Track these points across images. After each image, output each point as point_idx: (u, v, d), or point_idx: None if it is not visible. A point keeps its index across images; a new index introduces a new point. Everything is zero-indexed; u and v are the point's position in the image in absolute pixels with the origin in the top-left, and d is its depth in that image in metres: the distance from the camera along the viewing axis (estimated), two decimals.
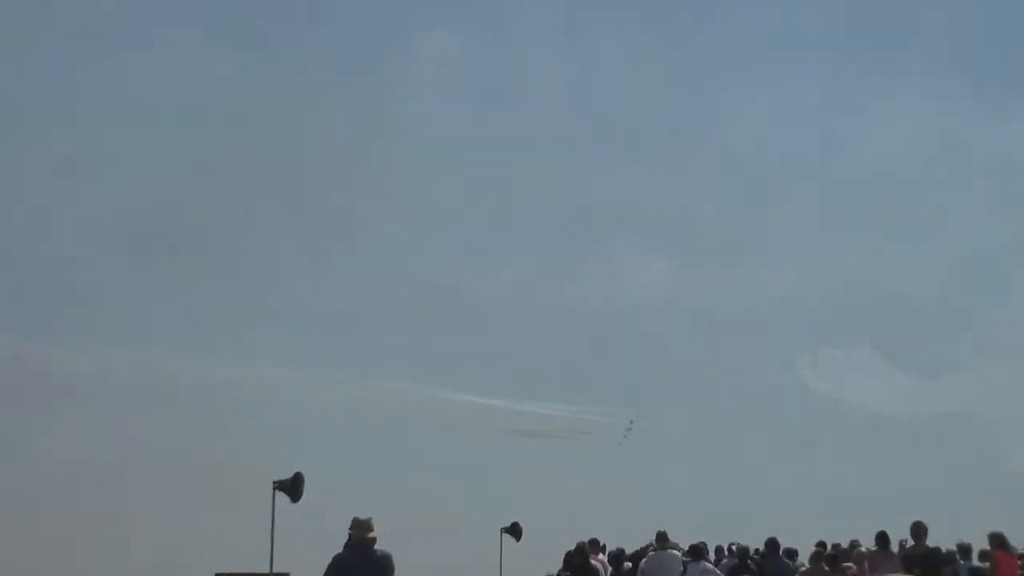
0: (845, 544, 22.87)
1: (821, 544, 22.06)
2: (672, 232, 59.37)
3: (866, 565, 20.10)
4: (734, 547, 22.68)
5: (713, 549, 24.25)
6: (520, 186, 60.32)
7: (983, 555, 19.09)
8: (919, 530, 17.41)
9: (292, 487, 21.87)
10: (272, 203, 56.04)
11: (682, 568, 20.11)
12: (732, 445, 47.40)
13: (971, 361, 51.23)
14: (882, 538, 19.92)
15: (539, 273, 57.98)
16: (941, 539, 20.84)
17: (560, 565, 19.44)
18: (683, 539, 22.16)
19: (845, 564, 19.58)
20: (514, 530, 28.07)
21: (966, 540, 20.03)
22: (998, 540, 18.15)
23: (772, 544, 20.75)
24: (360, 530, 12.36)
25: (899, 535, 19.68)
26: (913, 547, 17.26)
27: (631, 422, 39.57)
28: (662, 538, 20.43)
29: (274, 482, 21.88)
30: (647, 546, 22.08)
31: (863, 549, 21.25)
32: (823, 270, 57.53)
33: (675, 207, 59.98)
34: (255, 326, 52.65)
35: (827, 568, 18.88)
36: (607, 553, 23.02)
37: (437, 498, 43.04)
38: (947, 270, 57.68)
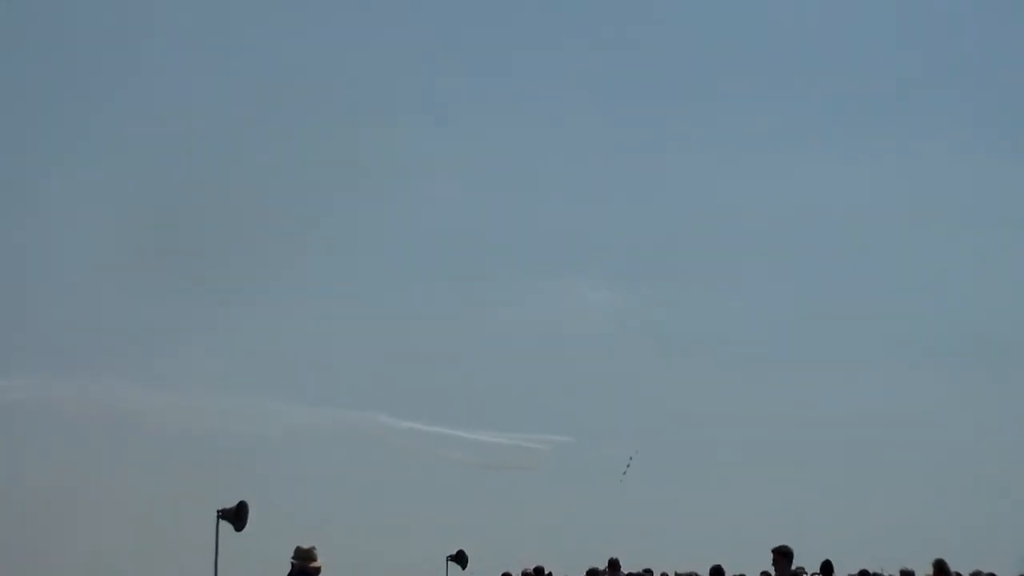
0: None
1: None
2: (615, 258, 59.36)
3: None
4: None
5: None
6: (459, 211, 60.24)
7: None
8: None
9: (236, 516, 21.74)
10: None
11: None
12: (679, 471, 47.35)
13: None
14: (826, 567, 20.08)
15: (479, 300, 57.70)
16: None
17: None
18: (630, 566, 22.19)
19: None
20: (460, 558, 28.01)
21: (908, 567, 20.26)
22: (939, 566, 18.28)
23: None
24: (303, 559, 12.32)
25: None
26: None
27: (631, 458, 39.02)
28: (614, 565, 20.39)
29: (218, 511, 21.73)
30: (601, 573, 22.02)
31: None
32: (771, 291, 57.74)
33: (618, 233, 60.01)
34: (199, 351, 52.13)
35: None
36: None
37: (382, 526, 42.81)
38: None
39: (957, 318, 53.56)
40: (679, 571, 22.44)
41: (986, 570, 19.45)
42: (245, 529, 21.89)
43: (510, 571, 21.00)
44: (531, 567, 22.77)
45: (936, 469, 45.03)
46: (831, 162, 60.03)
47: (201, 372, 51.32)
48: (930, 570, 18.74)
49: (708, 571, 20.97)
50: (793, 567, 19.60)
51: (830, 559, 20.10)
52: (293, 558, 12.39)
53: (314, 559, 12.34)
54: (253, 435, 49.50)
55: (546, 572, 23.37)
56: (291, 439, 50.05)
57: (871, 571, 21.29)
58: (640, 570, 22.57)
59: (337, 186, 58.75)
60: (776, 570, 14.26)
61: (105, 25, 59.95)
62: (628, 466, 38.13)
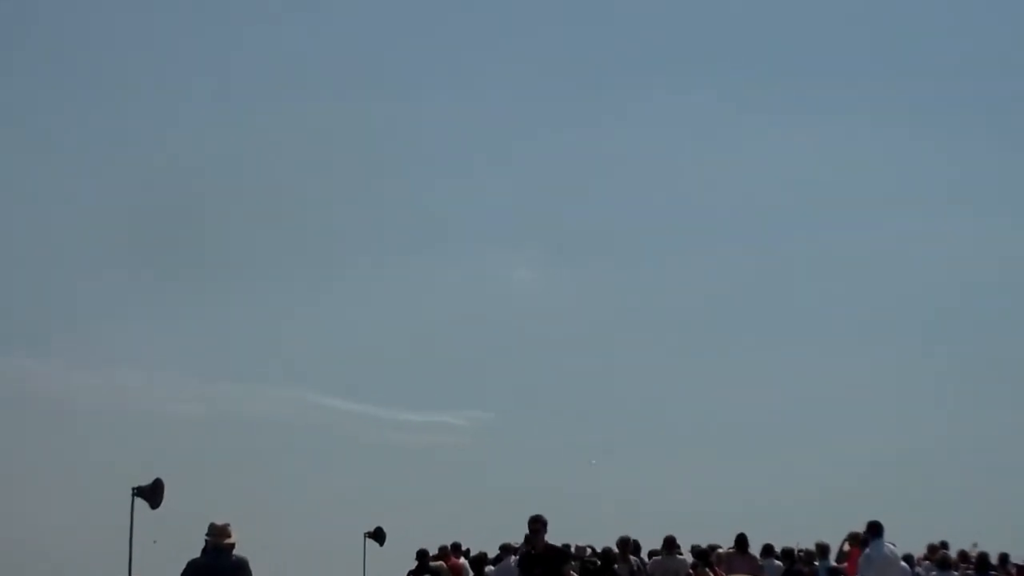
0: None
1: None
2: (539, 234, 59.37)
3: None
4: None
5: None
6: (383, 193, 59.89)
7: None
8: None
9: (152, 493, 21.56)
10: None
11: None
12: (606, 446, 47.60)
13: None
14: (740, 540, 20.35)
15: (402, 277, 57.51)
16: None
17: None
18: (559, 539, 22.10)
19: None
20: (378, 535, 28.00)
21: (824, 540, 20.61)
22: (857, 539, 18.56)
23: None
24: (217, 536, 12.23)
25: None
26: None
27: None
28: (669, 543, 20.11)
29: (133, 488, 21.54)
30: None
31: (721, 551, 21.55)
32: (693, 274, 58.05)
33: (543, 209, 60.05)
34: (112, 330, 51.59)
35: None
36: (469, 557, 23.11)
37: (299, 503, 42.68)
38: None
39: (920, 297, 54.37)
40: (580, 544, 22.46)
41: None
42: (160, 506, 21.72)
43: (426, 547, 20.99)
44: (449, 543, 22.85)
45: (895, 444, 45.89)
46: (778, 137, 60.52)
47: (119, 350, 51.00)
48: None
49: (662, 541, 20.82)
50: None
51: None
52: (207, 535, 12.31)
53: (228, 535, 12.25)
54: (171, 412, 49.34)
55: (463, 548, 23.46)
56: (207, 417, 49.95)
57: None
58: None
59: (265, 165, 58.63)
60: None
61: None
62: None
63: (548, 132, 61.99)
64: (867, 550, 16.98)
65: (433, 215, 58.62)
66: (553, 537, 21.39)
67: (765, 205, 60.21)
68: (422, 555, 20.33)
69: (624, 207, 60.61)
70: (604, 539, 21.59)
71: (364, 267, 57.93)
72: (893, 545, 17.28)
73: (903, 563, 18.69)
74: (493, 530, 28.08)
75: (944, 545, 21.55)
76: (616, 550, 19.54)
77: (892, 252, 56.57)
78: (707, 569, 19.21)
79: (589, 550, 21.59)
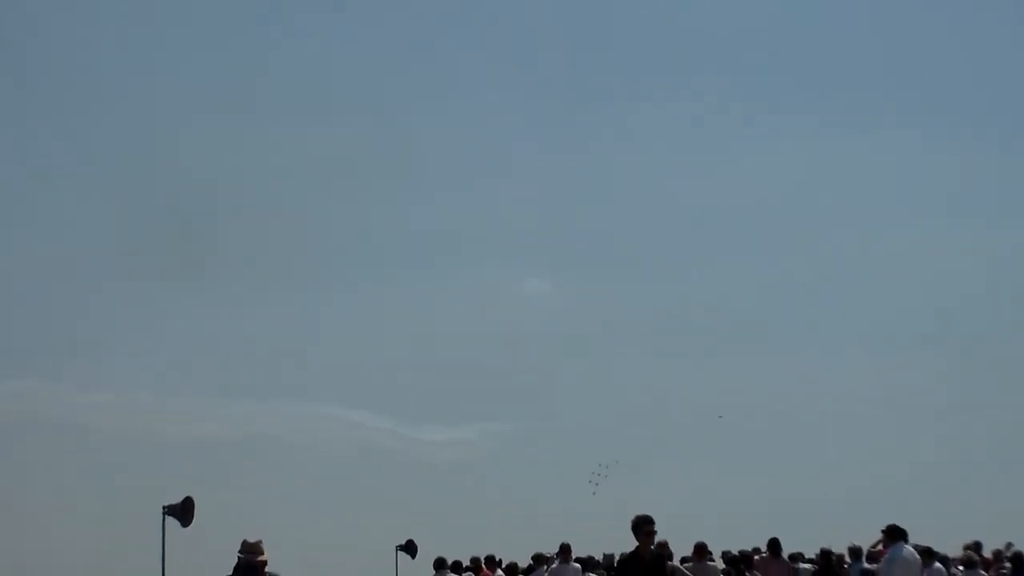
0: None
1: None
2: (548, 249, 59.36)
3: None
4: None
5: None
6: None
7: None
8: None
9: (183, 512, 21.59)
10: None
11: None
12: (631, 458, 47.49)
13: None
14: (773, 544, 20.30)
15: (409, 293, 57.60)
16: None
17: None
18: (580, 551, 22.11)
19: None
20: (409, 548, 27.96)
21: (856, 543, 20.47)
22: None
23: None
24: (249, 553, 12.21)
25: None
26: None
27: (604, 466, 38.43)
28: (565, 551, 20.31)
29: (164, 507, 21.57)
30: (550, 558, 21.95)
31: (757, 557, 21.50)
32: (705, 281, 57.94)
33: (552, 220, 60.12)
34: (124, 350, 51.79)
35: None
36: (502, 567, 23.09)
37: (331, 519, 42.71)
38: None
39: (919, 304, 54.12)
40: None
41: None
42: (191, 524, 21.73)
43: (444, 556, 20.95)
44: (482, 555, 22.81)
45: (899, 451, 45.63)
46: (780, 146, 60.55)
47: (140, 373, 51.12)
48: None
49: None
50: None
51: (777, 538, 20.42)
52: (239, 552, 12.29)
53: (260, 552, 12.24)
54: (198, 432, 49.44)
55: (497, 559, 23.41)
56: (237, 436, 50.05)
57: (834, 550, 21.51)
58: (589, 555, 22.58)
59: (274, 189, 58.84)
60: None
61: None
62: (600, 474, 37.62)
63: (555, 143, 62.24)
64: (888, 553, 16.90)
65: (444, 229, 58.77)
66: (578, 548, 21.50)
67: (771, 212, 60.11)
68: (439, 563, 20.29)
69: (631, 217, 60.56)
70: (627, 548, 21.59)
71: (386, 284, 58.04)
72: (914, 548, 17.21)
73: (938, 564, 18.56)
74: (520, 541, 28.18)
75: (977, 546, 21.39)
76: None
77: (895, 259, 56.43)
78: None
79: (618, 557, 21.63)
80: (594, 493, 37.02)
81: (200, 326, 52.69)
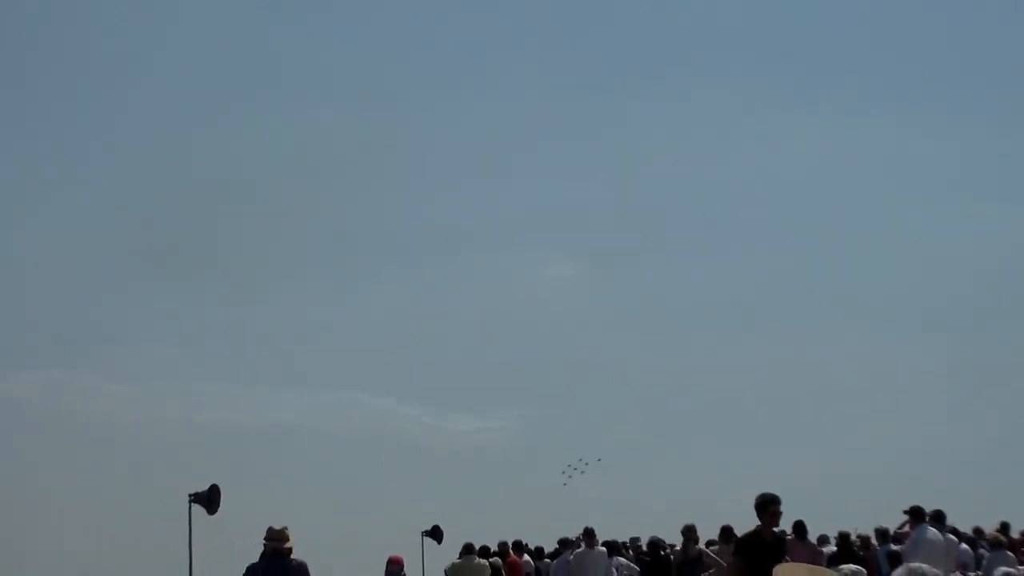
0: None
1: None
2: (573, 234, 59.35)
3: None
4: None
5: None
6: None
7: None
8: None
9: (209, 500, 21.62)
10: None
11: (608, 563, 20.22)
12: (648, 442, 47.60)
13: None
14: (799, 527, 20.21)
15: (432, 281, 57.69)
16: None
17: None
18: (605, 535, 22.18)
19: None
20: (435, 533, 27.96)
21: (883, 524, 20.39)
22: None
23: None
24: (274, 540, 12.25)
25: None
26: None
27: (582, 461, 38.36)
28: (589, 534, 20.42)
29: (190, 495, 21.61)
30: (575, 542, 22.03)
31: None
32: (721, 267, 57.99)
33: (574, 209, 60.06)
34: (148, 341, 52.01)
35: None
36: (530, 552, 23.15)
37: (356, 505, 42.82)
38: None
39: (924, 291, 54.03)
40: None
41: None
42: (217, 512, 21.78)
43: (471, 542, 20.97)
44: (510, 540, 22.86)
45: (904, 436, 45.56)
46: (800, 136, 60.40)
47: (166, 363, 51.34)
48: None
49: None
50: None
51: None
52: (265, 539, 12.32)
53: (287, 539, 12.27)
54: (225, 420, 49.64)
55: (524, 544, 23.45)
56: (262, 423, 50.23)
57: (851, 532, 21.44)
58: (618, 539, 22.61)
59: (293, 177, 58.90)
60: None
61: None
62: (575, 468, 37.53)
63: (572, 130, 62.23)
64: (914, 534, 16.84)
65: (468, 216, 58.80)
66: (604, 531, 21.55)
67: (786, 198, 60.02)
68: (467, 549, 20.32)
69: (649, 203, 60.48)
70: (655, 531, 21.72)
71: (405, 271, 58.13)
72: (938, 530, 17.16)
73: (964, 545, 18.46)
74: (544, 527, 28.22)
75: (1005, 527, 21.30)
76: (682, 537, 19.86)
77: (903, 244, 56.28)
78: None
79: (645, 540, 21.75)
80: (565, 484, 37.22)
81: (225, 316, 52.99)
